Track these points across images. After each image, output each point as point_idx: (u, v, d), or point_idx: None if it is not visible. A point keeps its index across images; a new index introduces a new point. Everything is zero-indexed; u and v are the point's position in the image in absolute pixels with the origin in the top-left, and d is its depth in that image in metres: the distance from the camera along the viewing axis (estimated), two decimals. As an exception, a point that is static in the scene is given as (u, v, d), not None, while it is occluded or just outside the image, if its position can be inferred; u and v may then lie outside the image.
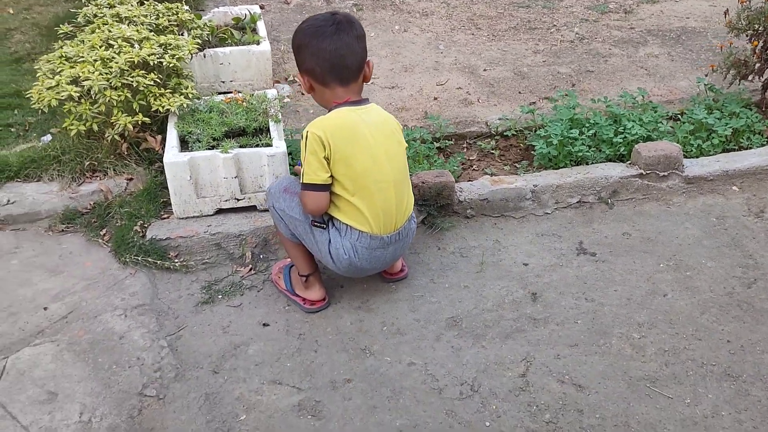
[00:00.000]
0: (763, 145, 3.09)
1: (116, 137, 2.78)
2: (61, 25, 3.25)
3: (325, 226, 2.26)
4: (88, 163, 2.87)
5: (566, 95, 3.26)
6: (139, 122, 2.73)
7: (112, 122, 2.74)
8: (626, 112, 3.11)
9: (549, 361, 2.17)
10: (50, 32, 4.13)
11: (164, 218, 2.67)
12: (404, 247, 2.37)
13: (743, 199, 2.89)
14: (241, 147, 2.61)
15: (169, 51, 2.90)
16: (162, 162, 2.60)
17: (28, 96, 2.82)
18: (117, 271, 2.52)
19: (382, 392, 2.07)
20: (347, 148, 2.16)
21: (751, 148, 3.06)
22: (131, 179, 2.83)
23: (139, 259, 2.53)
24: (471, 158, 3.23)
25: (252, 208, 2.70)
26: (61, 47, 2.95)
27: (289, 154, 2.79)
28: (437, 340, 2.26)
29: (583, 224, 2.79)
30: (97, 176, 2.86)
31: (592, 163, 2.95)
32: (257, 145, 2.64)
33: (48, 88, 2.72)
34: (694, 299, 2.40)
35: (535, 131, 3.19)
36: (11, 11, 4.74)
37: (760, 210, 2.82)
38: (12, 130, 3.29)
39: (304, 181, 2.18)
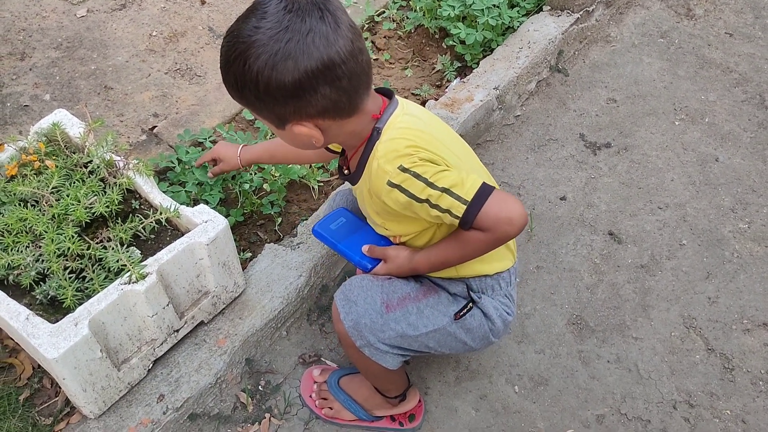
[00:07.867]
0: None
1: None
2: None
3: (471, 305, 1.38)
4: None
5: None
6: None
7: None
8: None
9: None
10: None
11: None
12: None
13: (659, 1, 2.53)
14: (144, 255, 1.43)
15: None
16: None
17: None
18: None
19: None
20: (450, 158, 1.23)
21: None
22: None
23: None
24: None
25: (199, 328, 1.60)
26: None
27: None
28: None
29: (561, 111, 2.19)
30: None
31: (518, 24, 2.26)
32: (168, 237, 1.48)
33: None
34: (742, 150, 2.08)
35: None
36: None
37: (686, 9, 2.50)
38: None
39: (474, 195, 1.16)
